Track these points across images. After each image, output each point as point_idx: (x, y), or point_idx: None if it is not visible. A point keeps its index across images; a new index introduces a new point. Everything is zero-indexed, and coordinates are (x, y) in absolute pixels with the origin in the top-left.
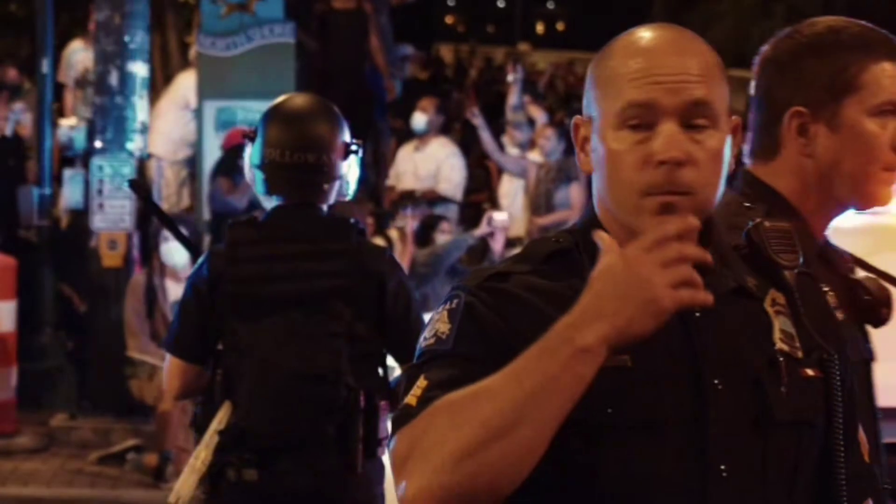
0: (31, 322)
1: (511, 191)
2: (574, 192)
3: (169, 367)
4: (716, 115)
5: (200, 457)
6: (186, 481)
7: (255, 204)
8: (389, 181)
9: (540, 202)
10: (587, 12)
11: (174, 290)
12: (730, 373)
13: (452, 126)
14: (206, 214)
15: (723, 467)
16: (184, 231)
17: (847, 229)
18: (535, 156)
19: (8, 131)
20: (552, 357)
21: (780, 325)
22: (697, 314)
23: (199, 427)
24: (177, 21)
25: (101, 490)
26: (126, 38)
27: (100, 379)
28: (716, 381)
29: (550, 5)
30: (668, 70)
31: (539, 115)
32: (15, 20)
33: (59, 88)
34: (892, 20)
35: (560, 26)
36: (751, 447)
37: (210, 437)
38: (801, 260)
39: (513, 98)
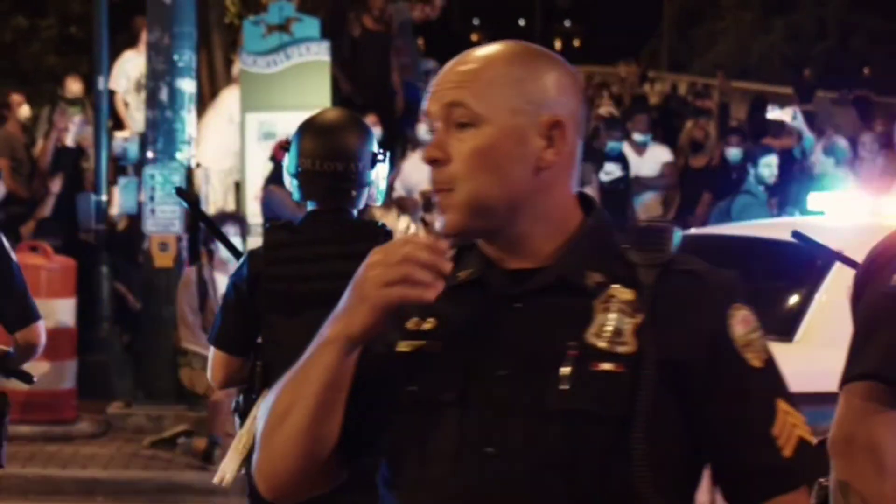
0: (90, 318)
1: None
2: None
3: (213, 359)
4: (475, 114)
5: (242, 440)
6: (230, 463)
7: None
8: (397, 192)
9: None
10: (601, 30)
11: (223, 284)
12: (520, 362)
13: None
14: (250, 217)
15: (490, 449)
16: (235, 227)
17: (847, 229)
18: None
19: (70, 142)
20: (310, 349)
21: (604, 320)
22: (518, 305)
23: (242, 413)
24: (222, 41)
25: (154, 472)
26: (175, 57)
27: (153, 370)
28: (501, 370)
29: (567, 23)
30: (436, 81)
31: None
32: (75, 40)
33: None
34: (886, 36)
35: (577, 43)
36: (522, 432)
37: (251, 423)
38: (664, 258)
39: None
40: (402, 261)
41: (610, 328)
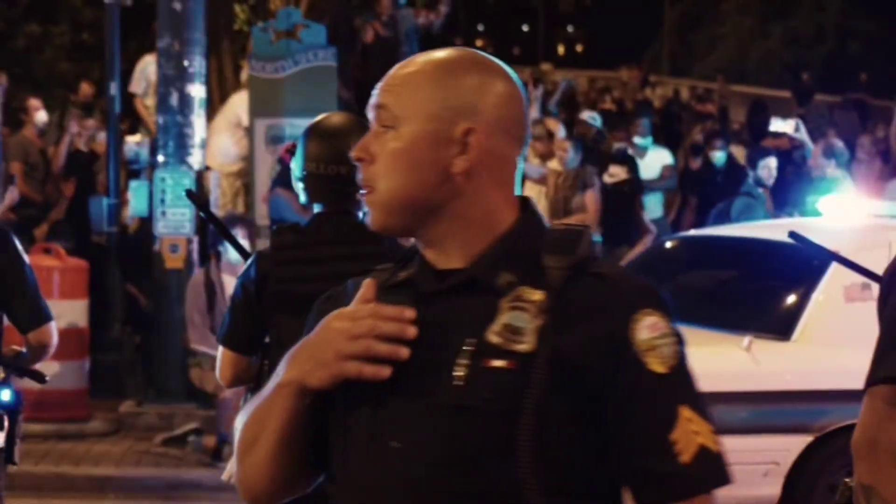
0: (102, 318)
1: (533, 197)
2: (589, 198)
3: (222, 358)
4: (395, 117)
5: None
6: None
7: None
8: None
9: (558, 207)
10: (603, 35)
11: (231, 285)
12: (424, 359)
13: None
14: (259, 220)
15: (394, 444)
16: (243, 230)
17: (835, 229)
18: (554, 165)
19: (83, 147)
20: (270, 386)
21: (509, 319)
22: (432, 304)
23: None
24: (231, 47)
25: (165, 469)
26: (185, 63)
27: (163, 369)
28: (405, 365)
29: (570, 29)
30: (378, 84)
31: (557, 128)
32: (86, 47)
33: (128, 101)
34: (883, 41)
35: (579, 48)
36: (421, 426)
37: None
38: (575, 261)
39: (532, 113)
40: (365, 334)
41: (510, 326)
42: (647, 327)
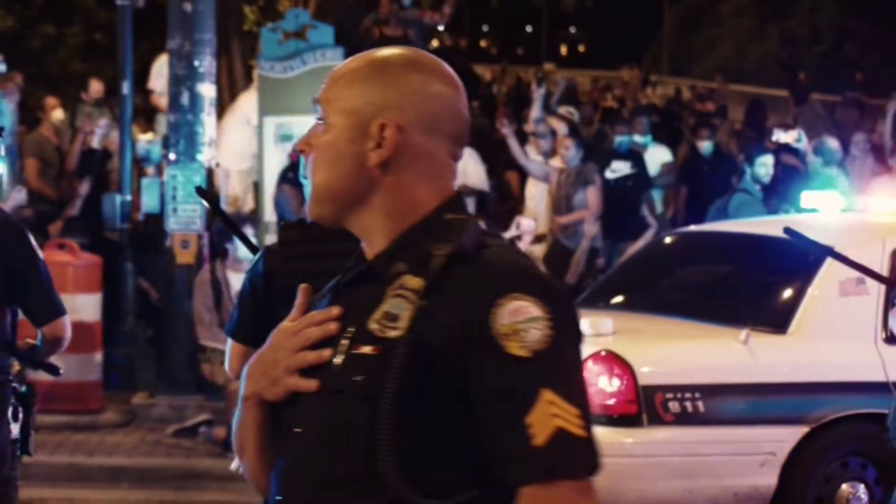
0: (115, 312)
1: (536, 194)
2: (591, 195)
3: (230, 351)
4: (326, 112)
5: None
6: None
7: None
8: None
9: (561, 203)
10: (605, 36)
11: (237, 282)
12: (324, 347)
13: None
14: (268, 216)
15: (298, 429)
16: (251, 229)
17: (830, 225)
18: (556, 162)
19: (96, 145)
20: (240, 399)
21: (388, 307)
22: (340, 293)
23: None
24: (241, 47)
25: (177, 459)
26: (196, 63)
27: (175, 362)
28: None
29: (573, 30)
30: None
31: (560, 126)
32: (100, 47)
33: (145, 98)
34: (877, 42)
35: (581, 48)
36: (312, 412)
37: None
38: (454, 249)
39: (535, 111)
40: (302, 346)
41: (388, 314)
42: (511, 312)
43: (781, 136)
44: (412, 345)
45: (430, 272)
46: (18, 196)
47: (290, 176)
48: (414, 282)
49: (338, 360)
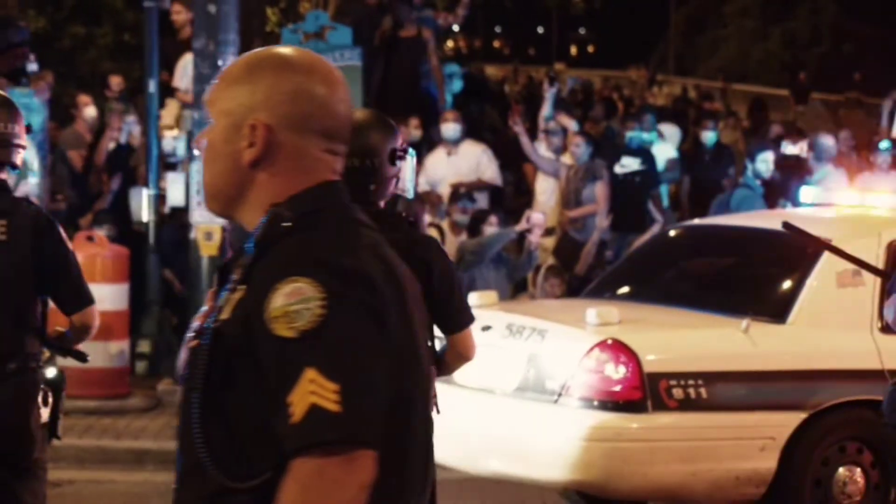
0: (141, 302)
1: (547, 188)
2: (599, 189)
3: None
4: (210, 113)
5: None
6: None
7: None
8: (421, 187)
9: (570, 198)
10: (613, 37)
11: None
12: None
13: (484, 136)
14: None
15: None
16: None
17: (826, 218)
18: (566, 159)
19: (122, 140)
20: None
21: (220, 301)
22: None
23: None
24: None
25: None
26: (219, 63)
27: None
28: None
29: (582, 31)
30: None
31: (570, 124)
32: (128, 47)
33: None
34: (876, 43)
35: (591, 48)
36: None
37: None
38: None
39: (546, 110)
40: None
41: (216, 307)
42: (286, 294)
43: (789, 148)
44: (213, 335)
45: (244, 263)
46: (24, 189)
47: None
48: (237, 273)
49: (182, 355)
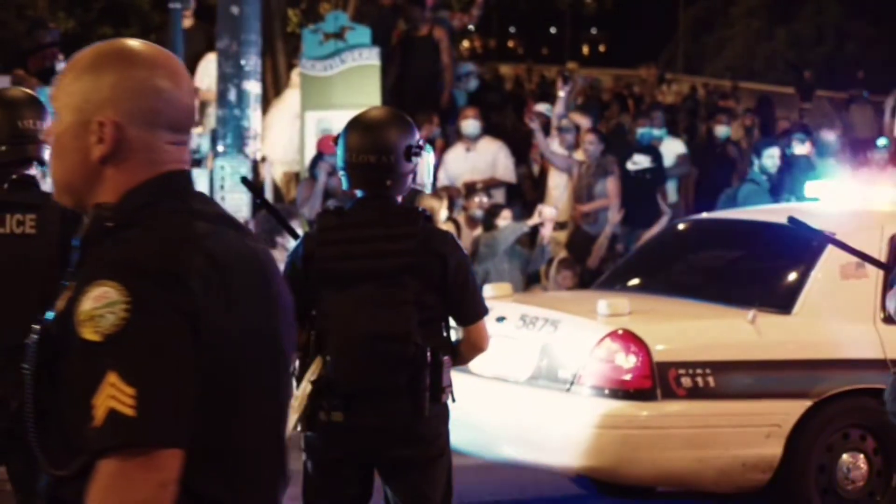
0: None
1: (560, 184)
2: (610, 185)
3: None
4: (55, 108)
5: (297, 401)
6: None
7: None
8: (441, 182)
9: (582, 193)
10: (624, 37)
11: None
12: None
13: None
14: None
15: None
16: (296, 221)
17: (830, 213)
18: (578, 155)
19: None
20: None
21: (58, 299)
22: None
23: (298, 378)
24: (285, 47)
25: None
26: (242, 62)
27: None
28: None
29: (594, 31)
30: None
31: (583, 121)
32: None
33: None
34: (878, 42)
35: (602, 48)
36: None
37: (305, 386)
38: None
39: (559, 108)
40: None
41: (54, 302)
42: (93, 298)
43: (797, 149)
44: (41, 333)
45: (75, 262)
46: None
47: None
48: (70, 272)
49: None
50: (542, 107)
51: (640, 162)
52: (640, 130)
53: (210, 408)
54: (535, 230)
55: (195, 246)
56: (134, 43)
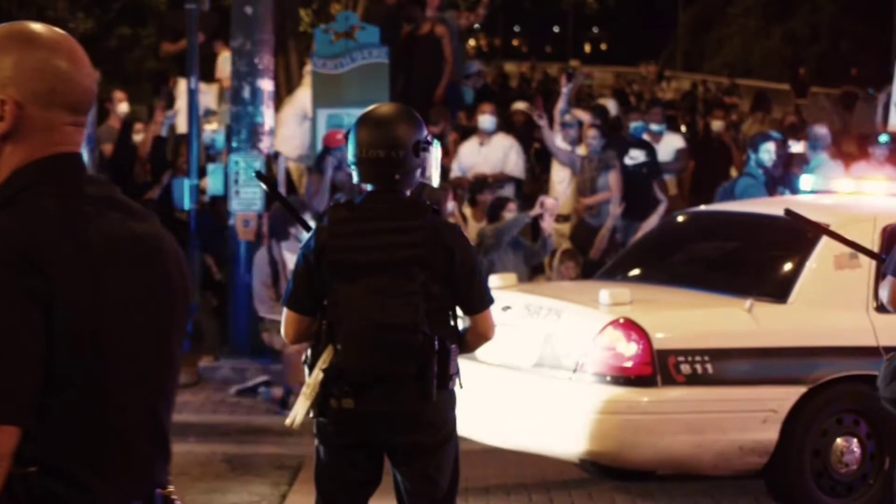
0: None
1: (564, 178)
2: (612, 178)
3: (286, 319)
4: None
5: (310, 388)
6: (299, 407)
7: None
8: (454, 173)
9: (586, 186)
10: (624, 35)
11: (292, 262)
12: None
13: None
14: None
15: None
16: (307, 214)
17: (825, 205)
18: (581, 150)
19: (164, 133)
20: None
21: None
22: None
23: (310, 365)
24: (296, 46)
25: (238, 416)
26: (256, 61)
27: (237, 329)
28: None
29: (596, 30)
30: None
31: (585, 117)
32: None
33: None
34: (871, 40)
35: (603, 46)
36: None
37: (317, 374)
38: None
39: (561, 104)
40: None
41: None
42: None
43: (795, 147)
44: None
45: None
46: None
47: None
48: None
49: None
50: (521, 104)
51: (636, 157)
52: (633, 125)
53: (71, 386)
54: (536, 221)
55: (62, 229)
56: (35, 25)
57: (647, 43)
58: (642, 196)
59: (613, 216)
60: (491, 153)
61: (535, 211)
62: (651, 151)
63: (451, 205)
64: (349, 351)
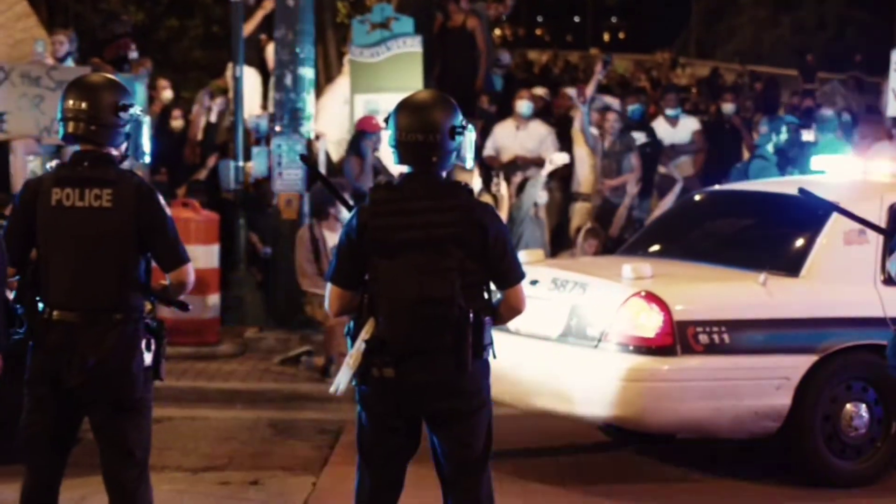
0: (230, 260)
1: (584, 157)
2: (634, 159)
3: (330, 293)
4: None
5: (353, 358)
6: (342, 376)
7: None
8: (487, 152)
9: (612, 167)
10: (641, 24)
11: (332, 239)
12: None
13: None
14: None
15: None
16: (346, 193)
17: (834, 184)
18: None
19: (213, 118)
20: None
21: None
22: None
23: (353, 337)
24: (335, 36)
25: (282, 384)
26: (297, 50)
27: (280, 302)
28: None
29: (614, 19)
30: None
31: (614, 102)
32: (216, 37)
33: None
34: (876, 28)
35: (621, 35)
36: None
37: (359, 344)
38: None
39: (590, 89)
40: None
41: None
42: None
43: (805, 135)
44: None
45: None
46: (129, 162)
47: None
48: None
49: None
50: (539, 90)
51: (638, 138)
52: (631, 108)
53: None
54: (565, 206)
55: None
56: None
57: (663, 32)
58: (649, 174)
59: (631, 195)
60: (527, 139)
61: (547, 168)
62: (651, 132)
63: (477, 184)
64: (390, 323)
